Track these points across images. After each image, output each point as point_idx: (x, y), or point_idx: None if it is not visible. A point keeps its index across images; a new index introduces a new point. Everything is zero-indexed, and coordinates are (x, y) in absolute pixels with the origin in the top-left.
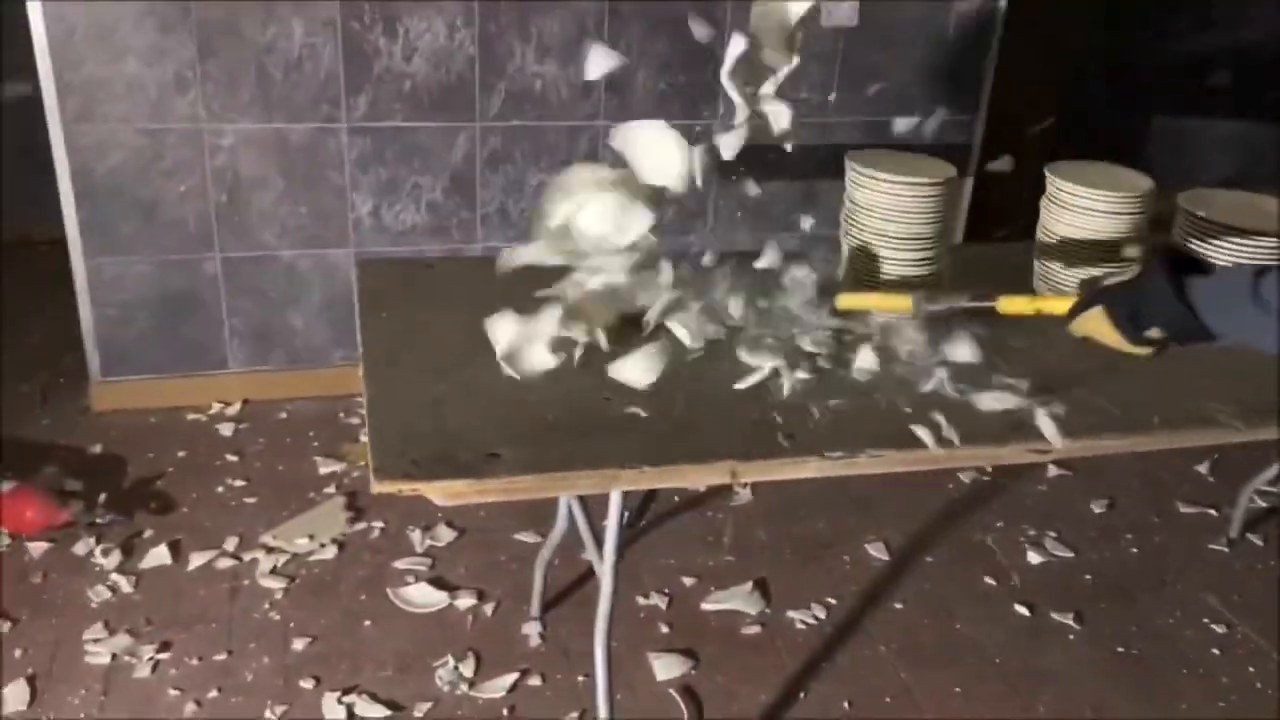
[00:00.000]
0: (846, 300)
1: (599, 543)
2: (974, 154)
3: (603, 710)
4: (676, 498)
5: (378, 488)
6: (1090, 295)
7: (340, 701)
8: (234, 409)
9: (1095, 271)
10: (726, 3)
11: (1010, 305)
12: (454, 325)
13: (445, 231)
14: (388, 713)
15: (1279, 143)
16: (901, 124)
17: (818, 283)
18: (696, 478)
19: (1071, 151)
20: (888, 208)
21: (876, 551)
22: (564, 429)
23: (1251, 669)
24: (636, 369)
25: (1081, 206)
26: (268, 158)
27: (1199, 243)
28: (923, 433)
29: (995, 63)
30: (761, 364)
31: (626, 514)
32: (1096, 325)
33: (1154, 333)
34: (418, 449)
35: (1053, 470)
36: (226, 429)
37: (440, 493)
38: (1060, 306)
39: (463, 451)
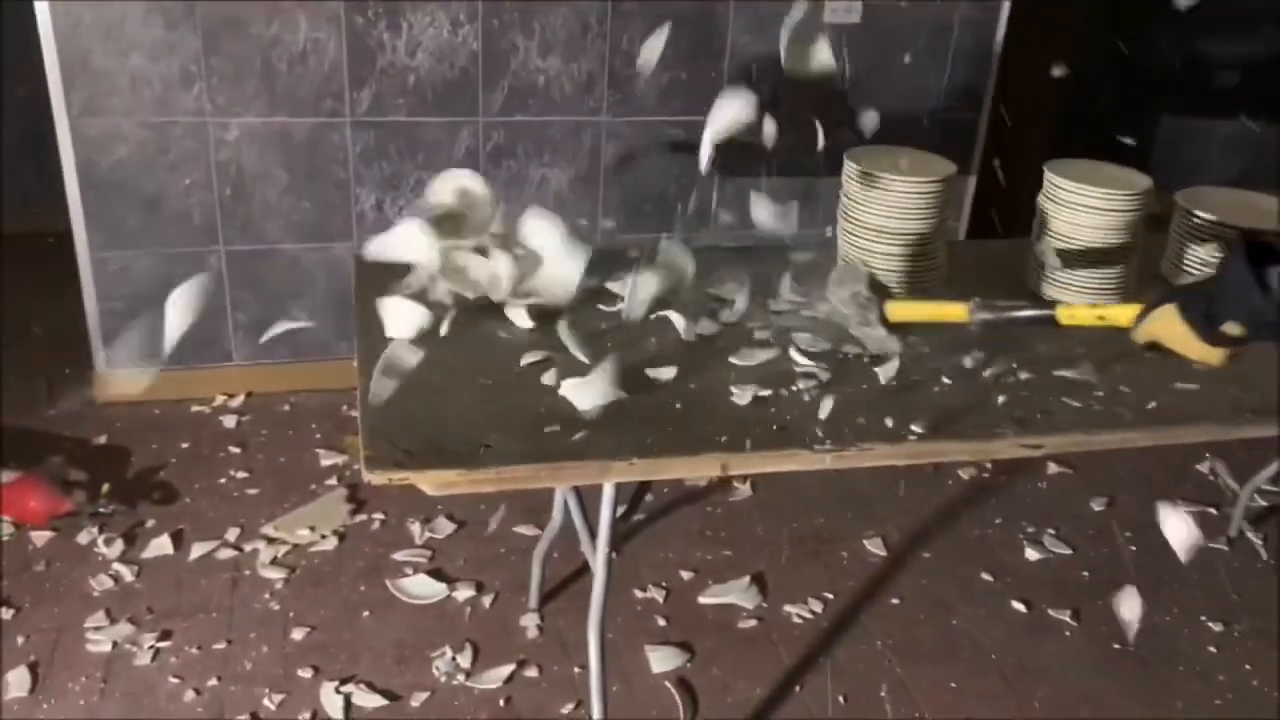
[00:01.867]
0: (898, 311)
1: (593, 535)
2: (977, 151)
3: (596, 701)
4: (666, 489)
5: (370, 477)
6: (1159, 297)
7: (338, 691)
8: (237, 401)
9: (1092, 269)
10: (729, 2)
11: (1071, 316)
12: (446, 317)
13: None
14: (384, 702)
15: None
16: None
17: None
18: (687, 470)
19: (1074, 150)
20: (887, 205)
21: (874, 547)
22: (557, 421)
23: (1249, 667)
24: (584, 393)
25: (1079, 204)
26: (272, 152)
27: (1195, 244)
28: (916, 426)
29: (999, 61)
30: (756, 358)
31: (621, 507)
32: (1166, 327)
33: (1231, 329)
34: (410, 439)
35: (1052, 468)
36: (230, 421)
37: (432, 482)
38: (1125, 315)
39: (455, 442)
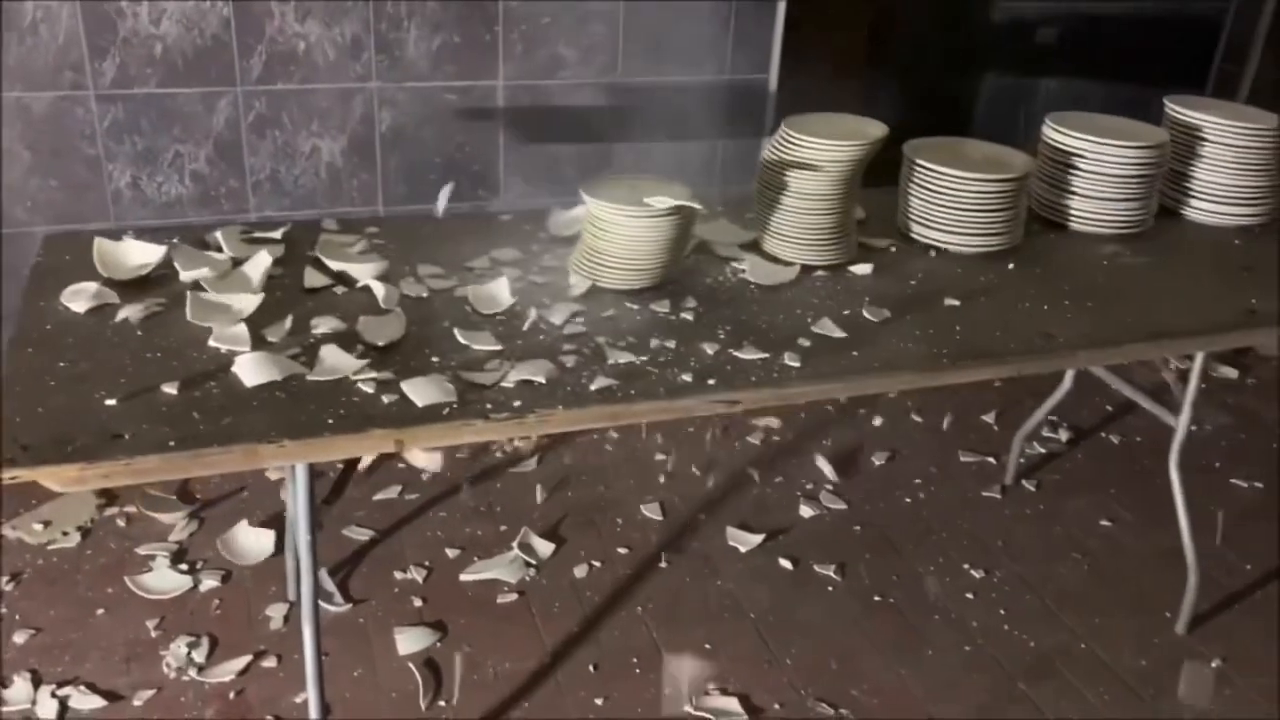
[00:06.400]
0: None
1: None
2: (769, 114)
3: (313, 696)
4: (447, 470)
5: None
6: None
7: (54, 695)
8: None
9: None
10: None
11: None
12: (126, 297)
13: (214, 201)
14: (104, 703)
15: (1105, 98)
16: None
17: None
18: (349, 449)
19: (886, 107)
20: (622, 236)
21: (651, 513)
22: (213, 408)
23: (1003, 611)
24: (254, 369)
25: (794, 159)
26: (10, 129)
27: (917, 187)
28: (600, 386)
29: (785, 17)
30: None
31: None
32: None
33: None
34: (35, 433)
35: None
36: None
37: (54, 479)
38: None
39: (85, 434)
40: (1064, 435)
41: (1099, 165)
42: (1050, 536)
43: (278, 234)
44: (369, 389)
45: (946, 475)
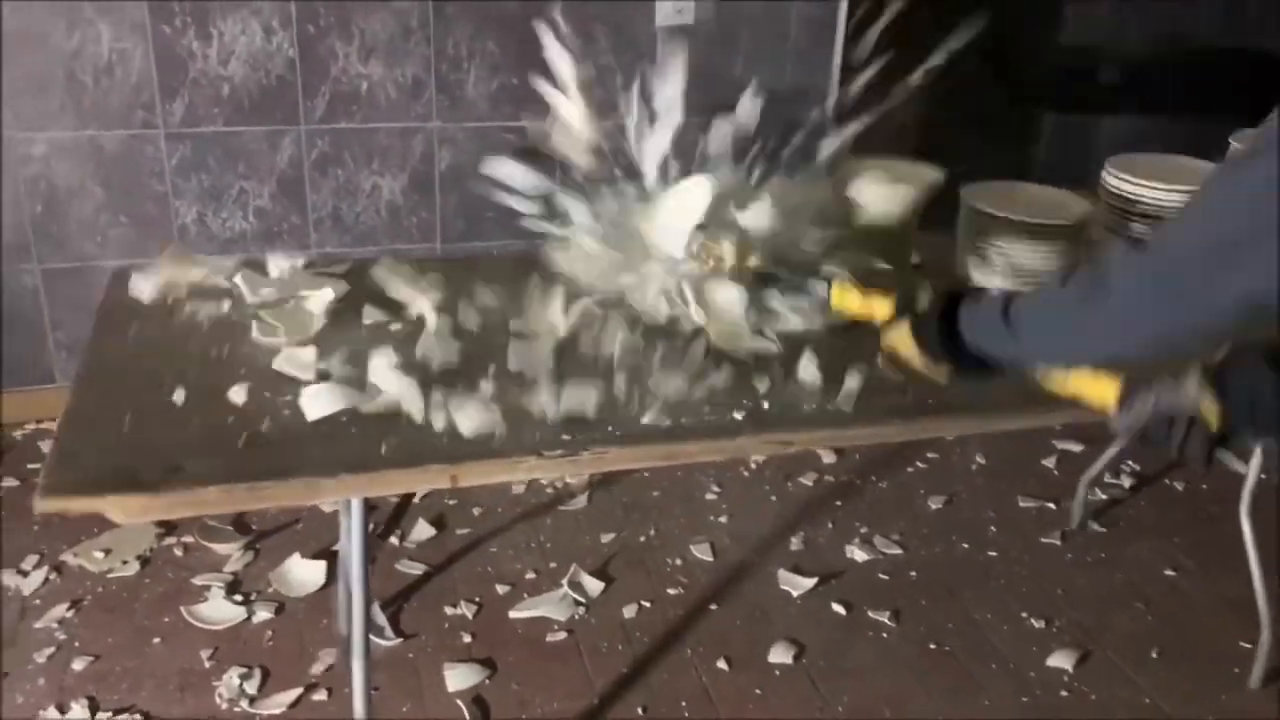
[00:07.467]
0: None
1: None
2: None
3: None
4: (500, 507)
5: (41, 506)
6: (902, 307)
7: None
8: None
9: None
10: (556, 3)
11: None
12: (190, 334)
13: (276, 237)
14: None
15: (1168, 135)
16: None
17: None
18: (409, 483)
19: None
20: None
21: (702, 553)
22: (272, 440)
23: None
24: (313, 401)
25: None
26: (84, 166)
27: (981, 238)
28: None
29: (842, 62)
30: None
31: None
32: (903, 341)
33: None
34: (99, 465)
35: (898, 469)
36: (49, 445)
37: (117, 509)
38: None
39: (147, 466)
40: (1127, 481)
41: (1159, 209)
42: (1112, 584)
43: (340, 269)
44: (423, 421)
45: (1005, 520)
